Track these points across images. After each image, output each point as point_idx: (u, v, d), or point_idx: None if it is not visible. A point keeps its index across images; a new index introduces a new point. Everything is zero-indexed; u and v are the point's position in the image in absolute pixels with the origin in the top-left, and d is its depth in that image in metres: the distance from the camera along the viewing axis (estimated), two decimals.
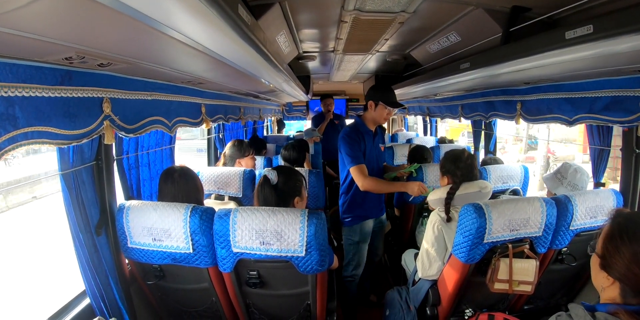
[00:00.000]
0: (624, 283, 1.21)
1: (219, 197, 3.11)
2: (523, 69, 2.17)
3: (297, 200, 2.27)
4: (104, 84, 1.68)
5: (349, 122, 7.49)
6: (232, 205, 2.92)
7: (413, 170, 3.27)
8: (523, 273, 2.13)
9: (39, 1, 0.75)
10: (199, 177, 2.53)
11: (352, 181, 3.16)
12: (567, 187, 2.63)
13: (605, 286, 1.26)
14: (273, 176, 2.20)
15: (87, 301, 2.04)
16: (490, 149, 4.81)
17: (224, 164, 3.51)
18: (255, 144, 4.64)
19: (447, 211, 2.36)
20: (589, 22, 1.52)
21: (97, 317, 1.78)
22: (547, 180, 2.75)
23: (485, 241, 2.10)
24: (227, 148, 3.53)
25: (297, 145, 3.92)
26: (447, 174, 2.54)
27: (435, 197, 2.49)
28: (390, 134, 7.32)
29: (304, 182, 2.35)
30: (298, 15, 2.71)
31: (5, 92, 1.19)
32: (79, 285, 2.01)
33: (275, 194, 2.20)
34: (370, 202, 3.25)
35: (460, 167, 2.46)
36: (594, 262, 1.31)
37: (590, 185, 2.82)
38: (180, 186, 2.28)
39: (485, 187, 2.41)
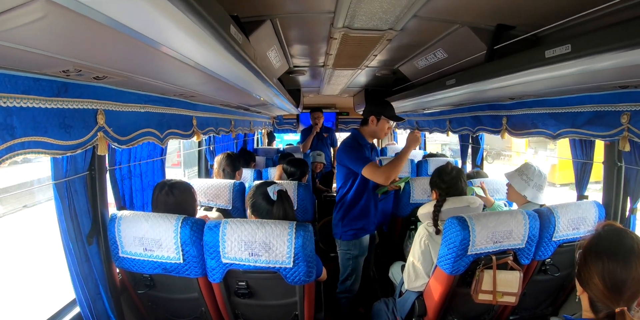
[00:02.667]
0: (590, 294, 1.28)
1: (208, 209, 3.14)
2: (507, 85, 2.23)
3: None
4: (98, 96, 1.71)
5: (338, 135, 7.59)
6: (215, 213, 2.95)
7: (402, 184, 3.29)
8: (507, 284, 2.17)
9: (42, 19, 0.79)
10: None
11: (354, 194, 3.18)
12: (533, 188, 2.70)
13: (579, 294, 1.34)
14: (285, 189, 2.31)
15: (77, 310, 2.04)
16: (477, 163, 4.87)
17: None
18: (244, 157, 4.67)
19: (435, 224, 2.40)
20: (567, 41, 1.59)
21: None
22: (512, 180, 2.78)
23: (469, 253, 2.14)
24: (225, 162, 3.57)
25: (299, 162, 4.03)
26: (434, 187, 2.59)
27: (424, 211, 2.53)
28: (380, 148, 7.39)
29: None
30: (288, 32, 2.76)
31: (4, 103, 1.22)
32: (69, 294, 2.02)
33: (290, 208, 2.30)
34: (370, 215, 3.26)
35: (445, 180, 2.52)
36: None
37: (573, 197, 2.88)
38: (173, 198, 2.32)
39: (474, 202, 2.45)
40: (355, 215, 3.23)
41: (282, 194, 2.28)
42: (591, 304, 1.28)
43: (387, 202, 3.77)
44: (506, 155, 17.02)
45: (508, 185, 2.84)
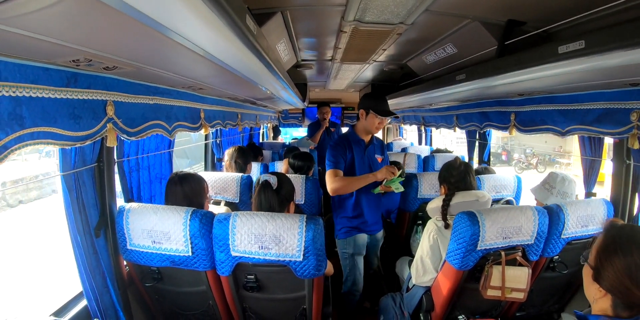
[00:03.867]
0: (615, 295, 1.21)
1: (216, 203, 3.14)
2: (517, 81, 2.20)
3: (292, 205, 2.34)
4: (108, 87, 1.70)
5: (344, 130, 7.58)
6: (222, 208, 2.94)
7: (393, 186, 2.99)
8: (515, 280, 2.16)
9: (55, 5, 0.78)
10: None
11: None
12: (557, 196, 2.65)
13: (597, 298, 1.27)
14: (274, 181, 2.24)
15: (84, 303, 2.04)
16: (484, 159, 4.85)
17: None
18: (252, 151, 4.67)
19: (445, 218, 2.39)
20: (580, 37, 1.56)
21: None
22: (536, 192, 2.76)
23: (478, 248, 2.13)
24: (237, 154, 3.57)
25: (305, 156, 4.01)
26: (443, 182, 2.58)
27: (433, 205, 2.52)
28: (386, 143, 7.36)
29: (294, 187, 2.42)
30: (298, 25, 2.74)
31: (14, 92, 1.21)
32: (77, 287, 2.02)
33: (278, 198, 2.24)
34: (364, 214, 3.19)
35: (454, 175, 2.51)
36: (587, 273, 1.32)
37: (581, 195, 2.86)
38: (182, 190, 2.31)
39: (483, 197, 2.44)
40: (347, 214, 3.19)
41: (264, 183, 2.26)
42: (614, 305, 1.22)
43: (395, 194, 3.73)
44: (564, 164, 14.20)
45: (535, 200, 2.82)
